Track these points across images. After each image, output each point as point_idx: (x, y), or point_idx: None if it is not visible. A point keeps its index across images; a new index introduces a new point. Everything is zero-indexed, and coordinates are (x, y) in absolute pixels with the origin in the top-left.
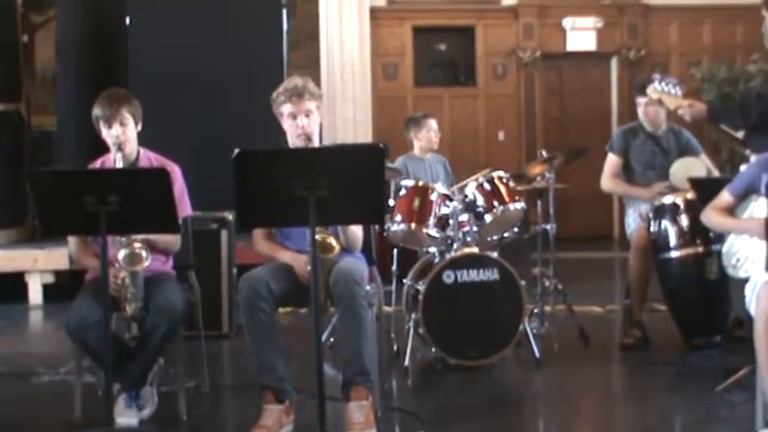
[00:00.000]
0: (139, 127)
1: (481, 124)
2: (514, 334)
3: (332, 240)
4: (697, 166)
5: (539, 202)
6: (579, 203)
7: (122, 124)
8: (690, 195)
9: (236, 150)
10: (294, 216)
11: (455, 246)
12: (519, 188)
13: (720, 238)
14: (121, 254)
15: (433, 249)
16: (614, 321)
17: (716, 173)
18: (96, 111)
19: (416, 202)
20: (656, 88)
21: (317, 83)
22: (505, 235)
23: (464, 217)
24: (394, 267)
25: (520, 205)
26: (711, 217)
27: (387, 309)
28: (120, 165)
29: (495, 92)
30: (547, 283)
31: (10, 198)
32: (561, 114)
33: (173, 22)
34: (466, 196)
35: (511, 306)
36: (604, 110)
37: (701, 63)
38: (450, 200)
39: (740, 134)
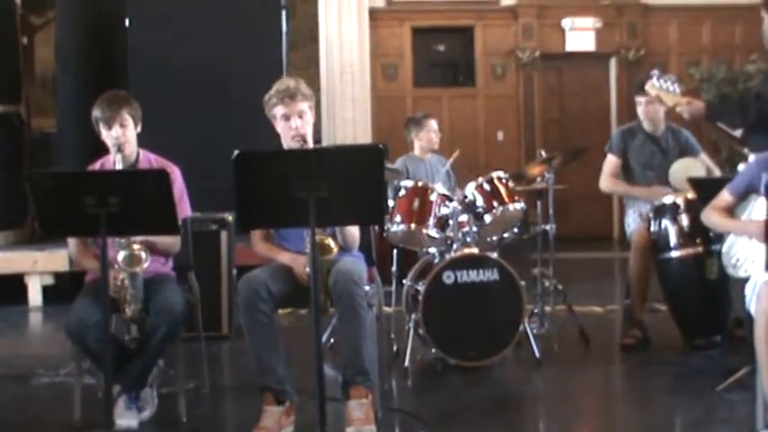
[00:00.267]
0: (139, 128)
1: (480, 124)
2: (514, 334)
3: (330, 241)
4: (696, 166)
5: (538, 203)
6: (579, 203)
7: (122, 126)
8: (690, 195)
9: (236, 151)
10: (294, 217)
11: (455, 246)
12: (518, 188)
13: (720, 237)
14: (121, 255)
15: (432, 250)
16: (614, 321)
17: (717, 171)
18: (96, 112)
19: (416, 203)
20: (654, 85)
21: (317, 83)
22: (505, 235)
23: (464, 217)
24: (394, 268)
25: (519, 206)
26: (711, 217)
27: (387, 309)
28: (119, 166)
29: (494, 92)
30: (547, 284)
31: (10, 200)
32: (560, 114)
33: (172, 23)
34: (465, 197)
35: (511, 306)
36: (604, 110)
37: (700, 63)
38: (450, 200)
39: (738, 133)
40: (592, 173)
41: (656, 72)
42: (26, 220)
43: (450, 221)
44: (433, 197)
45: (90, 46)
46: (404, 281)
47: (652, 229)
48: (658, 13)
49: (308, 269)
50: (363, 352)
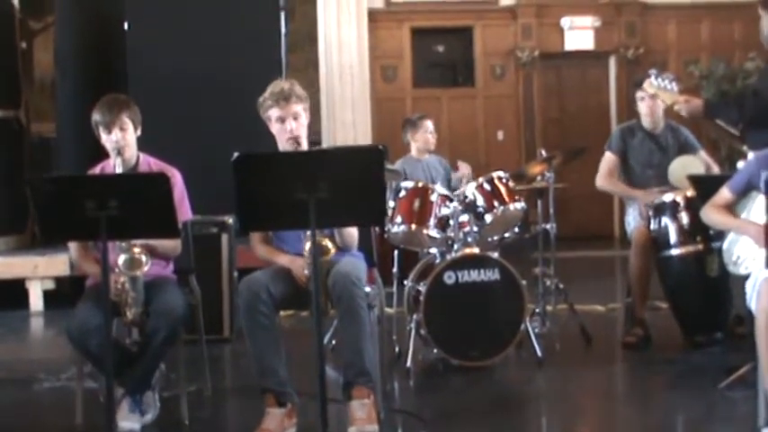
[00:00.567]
0: (139, 132)
1: (480, 124)
2: (516, 334)
3: (327, 243)
4: (695, 164)
5: (539, 202)
6: (579, 202)
7: (122, 129)
8: (689, 193)
9: (236, 154)
10: (294, 219)
11: (456, 246)
12: (519, 188)
13: (721, 235)
14: (121, 259)
15: (433, 250)
16: (616, 320)
17: (716, 168)
18: (96, 116)
19: (416, 204)
20: (652, 83)
21: (316, 85)
22: (506, 235)
23: (464, 217)
24: (395, 269)
25: (520, 205)
26: (711, 215)
27: (388, 310)
28: (119, 170)
29: (493, 92)
30: (548, 283)
31: (10, 205)
32: (560, 114)
33: (171, 26)
34: (466, 197)
35: (512, 306)
36: (603, 109)
37: (699, 61)
38: (451, 200)
39: (736, 130)
40: (592, 172)
41: (653, 71)
42: (27, 225)
43: (451, 222)
44: (434, 198)
45: (89, 50)
46: (405, 282)
47: (652, 227)
48: (657, 11)
49: (306, 271)
50: (364, 353)
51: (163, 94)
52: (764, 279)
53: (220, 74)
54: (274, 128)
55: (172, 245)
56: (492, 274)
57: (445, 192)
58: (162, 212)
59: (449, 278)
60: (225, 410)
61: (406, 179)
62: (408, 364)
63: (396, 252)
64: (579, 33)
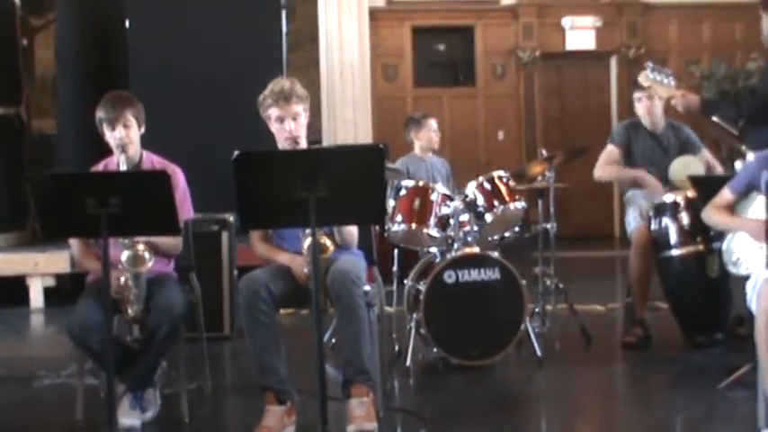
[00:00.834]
0: (143, 129)
1: (481, 124)
2: (516, 333)
3: (326, 240)
4: (695, 164)
5: (539, 202)
6: (579, 202)
7: (126, 126)
8: (690, 193)
9: (236, 152)
10: (294, 217)
11: (456, 245)
12: (519, 187)
13: (721, 235)
14: (124, 255)
15: (433, 249)
16: (616, 320)
17: (719, 167)
18: (100, 113)
19: (417, 203)
20: (647, 76)
21: (317, 84)
22: (506, 234)
23: (465, 217)
24: (395, 268)
25: (520, 204)
26: (712, 215)
27: (388, 309)
28: (124, 167)
29: (494, 92)
30: (548, 282)
31: (10, 202)
32: (561, 113)
33: (172, 24)
34: (466, 196)
35: (512, 305)
36: (604, 109)
37: (701, 61)
38: (451, 200)
39: (735, 129)
40: (592, 171)
41: (650, 64)
42: (27, 222)
43: (451, 221)
44: (434, 197)
45: (90, 47)
46: (405, 281)
47: (652, 227)
48: (658, 11)
49: (305, 269)
50: (363, 351)
51: (163, 93)
52: (765, 280)
53: (221, 72)
54: (273, 127)
55: (173, 242)
56: (492, 274)
57: (446, 191)
58: (163, 210)
59: (449, 277)
60: (225, 408)
61: (409, 177)
62: (408, 363)
63: (396, 251)
64: (580, 33)
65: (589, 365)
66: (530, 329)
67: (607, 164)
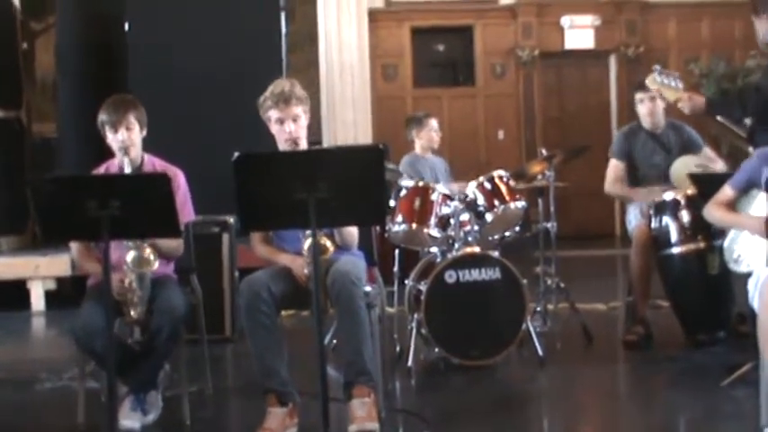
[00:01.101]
0: (144, 132)
1: (480, 124)
2: (517, 333)
3: (326, 241)
4: (697, 164)
5: (539, 201)
6: (580, 201)
7: (128, 129)
8: (690, 191)
9: (236, 153)
10: (295, 218)
11: (456, 245)
12: (519, 187)
13: (722, 233)
14: (130, 256)
15: (434, 249)
16: (617, 318)
17: (721, 163)
18: (102, 116)
19: (417, 203)
20: (655, 79)
21: (317, 85)
22: (507, 234)
23: (465, 216)
24: (395, 268)
25: (520, 204)
26: (713, 212)
27: (389, 309)
28: (127, 169)
29: (494, 91)
30: (549, 282)
31: (11, 205)
32: (560, 113)
33: (172, 27)
34: (466, 196)
35: (513, 305)
36: (603, 107)
37: (700, 59)
38: (451, 199)
39: (741, 128)
40: (592, 170)
41: (657, 67)
42: (28, 226)
43: (452, 221)
44: (434, 197)
45: (90, 50)
46: (406, 281)
47: (653, 225)
48: (657, 9)
49: (306, 270)
50: (364, 352)
51: (163, 95)
52: (766, 277)
53: (221, 74)
54: (273, 128)
55: (174, 245)
56: (493, 273)
57: (446, 191)
58: (164, 212)
59: (450, 277)
60: (226, 410)
61: (411, 176)
62: (409, 363)
63: (396, 251)
64: (579, 32)
65: (591, 365)
66: (531, 329)
67: (615, 180)
